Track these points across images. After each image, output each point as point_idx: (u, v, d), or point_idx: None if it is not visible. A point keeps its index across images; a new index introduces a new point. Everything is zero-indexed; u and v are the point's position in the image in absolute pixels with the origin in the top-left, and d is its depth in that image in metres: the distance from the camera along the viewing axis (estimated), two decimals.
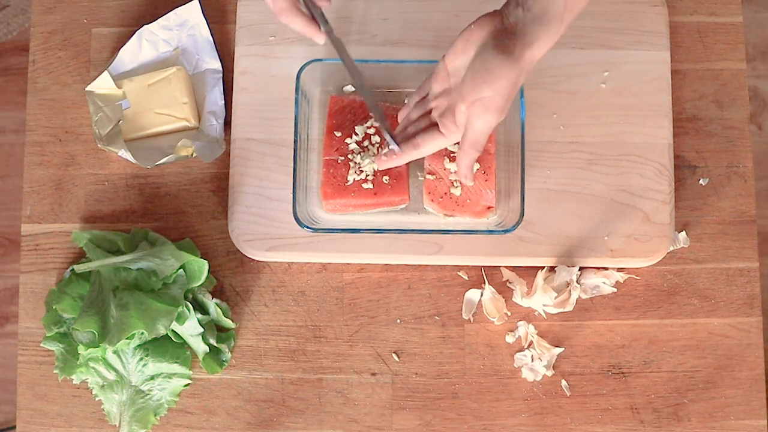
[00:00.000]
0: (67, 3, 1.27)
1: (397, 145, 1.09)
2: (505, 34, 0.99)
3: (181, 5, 1.25)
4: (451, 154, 1.18)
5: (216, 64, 1.25)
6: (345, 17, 1.24)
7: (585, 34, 1.24)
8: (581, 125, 1.22)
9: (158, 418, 1.15)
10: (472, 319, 1.20)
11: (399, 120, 1.12)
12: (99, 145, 1.21)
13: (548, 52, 1.00)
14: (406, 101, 1.12)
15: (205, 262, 1.16)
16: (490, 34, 1.00)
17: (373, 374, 1.20)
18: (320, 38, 1.09)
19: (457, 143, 1.10)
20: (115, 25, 1.27)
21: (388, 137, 1.09)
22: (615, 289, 1.20)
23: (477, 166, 1.17)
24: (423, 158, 1.17)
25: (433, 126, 1.08)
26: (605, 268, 1.20)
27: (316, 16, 1.08)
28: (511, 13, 0.99)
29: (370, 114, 1.16)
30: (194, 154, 1.21)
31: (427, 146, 1.09)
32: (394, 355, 1.20)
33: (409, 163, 1.14)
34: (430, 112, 1.09)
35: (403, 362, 1.20)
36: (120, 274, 1.15)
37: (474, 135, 1.04)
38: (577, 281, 1.19)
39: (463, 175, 1.08)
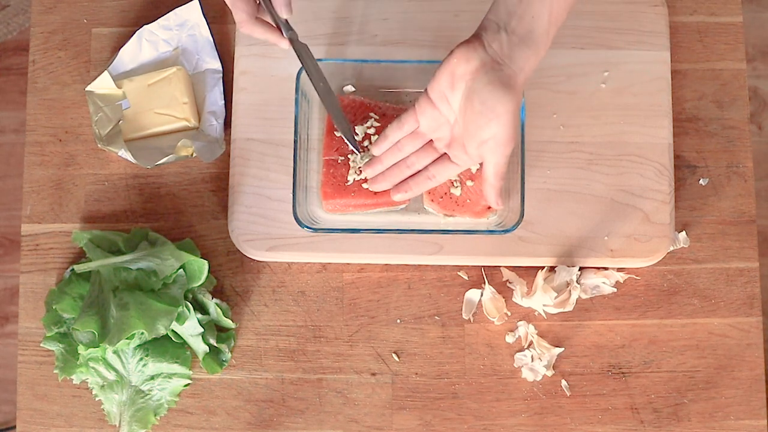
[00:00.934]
0: (67, 3, 1.27)
1: (357, 150, 1.11)
2: (494, 65, 0.97)
3: (181, 5, 1.25)
4: None
5: (216, 64, 1.25)
6: (345, 17, 1.24)
7: (585, 34, 1.24)
8: (581, 125, 1.22)
9: (158, 418, 1.15)
10: (472, 319, 1.20)
11: (379, 154, 1.10)
12: (99, 145, 1.21)
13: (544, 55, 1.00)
14: (384, 132, 1.10)
15: (205, 262, 1.16)
16: (478, 68, 0.98)
17: (373, 374, 1.20)
18: (284, 44, 1.09)
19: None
20: (115, 25, 1.27)
21: (349, 143, 1.10)
22: (615, 289, 1.20)
23: (477, 165, 1.17)
24: None
25: (444, 157, 1.08)
26: (605, 268, 1.20)
27: (280, 25, 1.08)
28: (493, 39, 0.97)
29: (334, 124, 1.15)
30: (194, 154, 1.21)
31: (441, 176, 1.10)
32: (394, 355, 1.20)
33: None
34: (430, 142, 1.09)
35: (403, 362, 1.20)
36: (120, 274, 1.15)
37: (495, 168, 1.04)
38: (577, 281, 1.19)
39: (495, 203, 1.08)
